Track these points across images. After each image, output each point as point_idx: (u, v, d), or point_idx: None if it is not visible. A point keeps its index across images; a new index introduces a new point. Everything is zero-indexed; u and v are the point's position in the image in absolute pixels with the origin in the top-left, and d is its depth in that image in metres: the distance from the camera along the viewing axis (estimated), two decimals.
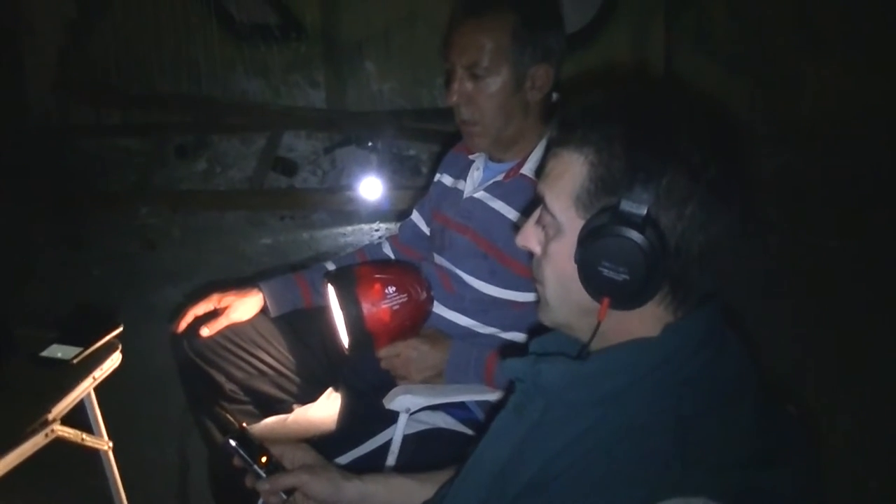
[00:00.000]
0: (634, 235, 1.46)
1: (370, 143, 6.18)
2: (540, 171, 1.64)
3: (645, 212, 1.46)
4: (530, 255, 1.69)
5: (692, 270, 1.51)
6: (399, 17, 6.29)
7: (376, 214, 5.52)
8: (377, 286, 2.55)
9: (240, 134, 6.67)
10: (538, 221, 1.64)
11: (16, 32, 6.70)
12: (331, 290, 2.65)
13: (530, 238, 1.67)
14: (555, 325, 1.69)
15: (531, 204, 1.82)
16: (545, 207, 1.60)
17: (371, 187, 5.73)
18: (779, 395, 1.53)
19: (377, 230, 5.36)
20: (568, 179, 1.54)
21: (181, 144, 6.63)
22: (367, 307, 2.54)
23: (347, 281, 2.58)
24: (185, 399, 2.97)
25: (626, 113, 1.55)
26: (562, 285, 1.60)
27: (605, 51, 5.58)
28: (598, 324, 1.57)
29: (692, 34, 6.10)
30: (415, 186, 5.59)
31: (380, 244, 3.08)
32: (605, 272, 1.50)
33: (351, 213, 5.58)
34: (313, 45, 6.63)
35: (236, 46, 6.72)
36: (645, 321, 1.55)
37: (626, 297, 1.52)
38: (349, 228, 5.43)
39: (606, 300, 1.53)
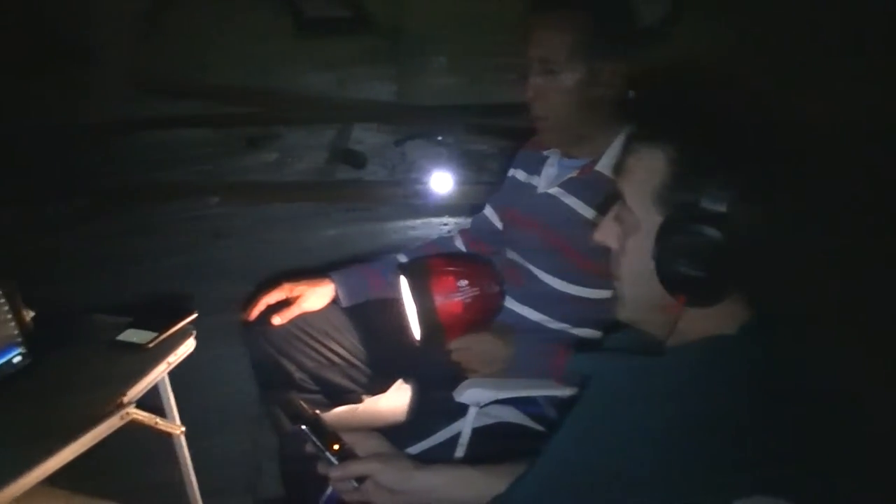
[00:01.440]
0: (713, 233, 1.47)
1: (439, 138, 6.19)
2: (618, 167, 1.64)
3: (725, 209, 1.46)
4: (606, 251, 1.70)
5: (769, 270, 1.52)
6: (469, 11, 6.29)
7: (444, 208, 5.52)
8: (450, 279, 2.56)
9: (309, 126, 6.70)
10: (616, 217, 1.65)
11: (90, 24, 6.77)
12: (403, 282, 2.66)
13: (608, 234, 1.67)
14: (630, 321, 1.69)
15: (606, 200, 1.82)
16: (624, 203, 1.61)
17: (439, 181, 5.74)
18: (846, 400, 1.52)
19: (445, 224, 5.37)
20: (647, 176, 1.55)
21: (251, 136, 6.67)
22: (439, 299, 2.55)
23: (421, 273, 2.59)
24: (255, 387, 3.01)
25: (705, 110, 1.55)
26: (639, 282, 1.60)
27: (679, 46, 5.55)
28: (675, 320, 1.57)
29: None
30: (483, 181, 5.59)
31: (451, 237, 3.09)
32: (683, 269, 1.51)
33: (419, 207, 5.58)
34: (383, 38, 6.65)
35: (306, 40, 6.75)
36: (721, 319, 1.56)
37: (702, 294, 1.53)
38: (417, 222, 5.43)
39: (683, 297, 1.54)
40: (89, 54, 6.71)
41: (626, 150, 1.63)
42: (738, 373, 1.49)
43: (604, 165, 2.55)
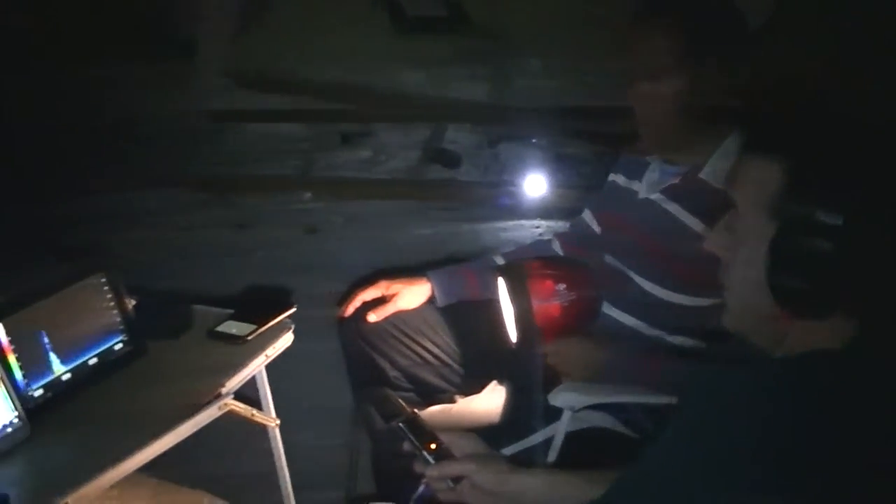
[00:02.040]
0: (827, 246, 1.45)
1: (533, 140, 6.17)
2: (730, 176, 1.63)
3: (840, 222, 1.44)
4: (709, 259, 1.69)
5: (881, 286, 1.50)
6: (569, 14, 6.26)
7: (537, 211, 5.48)
8: (548, 282, 2.55)
9: (403, 124, 6.71)
10: (728, 226, 1.64)
11: (190, 18, 6.83)
12: (501, 283, 2.65)
13: (719, 243, 1.66)
14: (737, 331, 1.68)
15: (709, 208, 1.81)
16: (736, 213, 1.60)
17: (533, 184, 5.71)
18: None
19: (537, 227, 5.34)
20: (761, 186, 1.53)
21: (345, 133, 6.69)
22: (537, 302, 2.54)
23: (519, 275, 2.58)
24: (348, 383, 3.02)
25: (821, 121, 1.53)
26: (748, 292, 1.59)
27: (785, 53, 5.48)
28: (783, 332, 1.56)
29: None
30: (577, 185, 5.57)
31: (549, 241, 3.08)
32: (794, 281, 1.49)
33: (512, 209, 5.56)
34: (479, 39, 6.64)
35: (403, 38, 6.76)
36: (828, 333, 1.53)
37: (812, 307, 1.51)
38: (509, 224, 5.41)
39: (792, 309, 1.52)
40: (191, 47, 6.78)
41: (738, 159, 1.61)
42: (838, 389, 1.47)
43: (707, 173, 2.53)
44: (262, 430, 2.66)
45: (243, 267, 5.15)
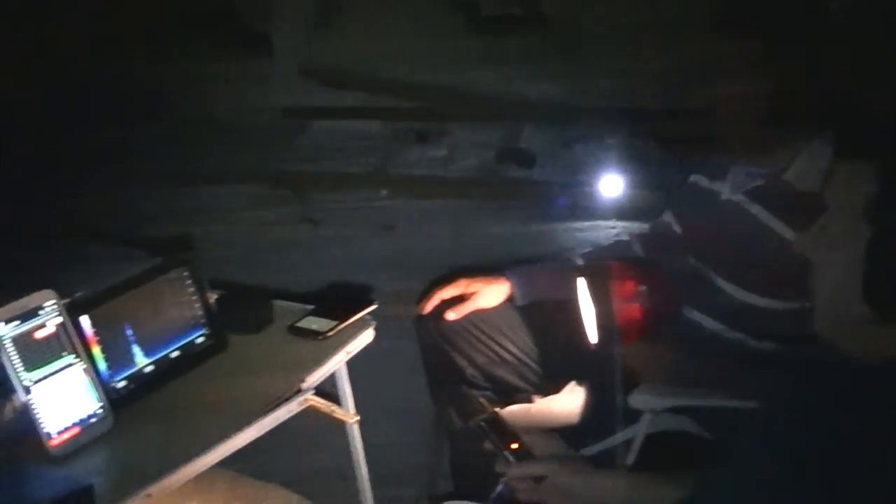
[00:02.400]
0: None
1: (610, 140, 6.15)
2: (824, 180, 1.61)
3: None
4: (798, 262, 1.67)
5: None
6: (646, 14, 6.23)
7: (613, 212, 5.45)
8: (629, 283, 2.54)
9: (478, 123, 6.70)
10: (821, 230, 1.62)
11: (267, 15, 6.88)
12: (582, 284, 2.64)
13: (810, 245, 1.64)
14: (826, 336, 1.66)
15: (794, 210, 1.79)
16: (829, 216, 1.58)
17: (610, 184, 5.68)
18: None
19: (613, 227, 5.31)
20: (856, 189, 1.52)
21: (420, 131, 6.70)
22: (618, 303, 2.53)
23: (600, 275, 2.58)
24: (426, 381, 3.02)
25: None
26: (840, 296, 1.57)
27: (871, 54, 5.41)
28: (873, 338, 1.54)
29: None
30: (655, 186, 5.55)
31: (629, 242, 3.06)
32: (889, 285, 1.47)
33: (587, 209, 5.53)
34: (555, 38, 6.62)
35: (478, 36, 6.76)
36: None
37: None
38: (585, 224, 5.38)
39: (886, 314, 1.50)
40: (268, 44, 6.82)
41: (832, 162, 1.59)
42: None
43: (792, 175, 2.50)
44: (340, 426, 2.67)
45: (320, 264, 5.17)
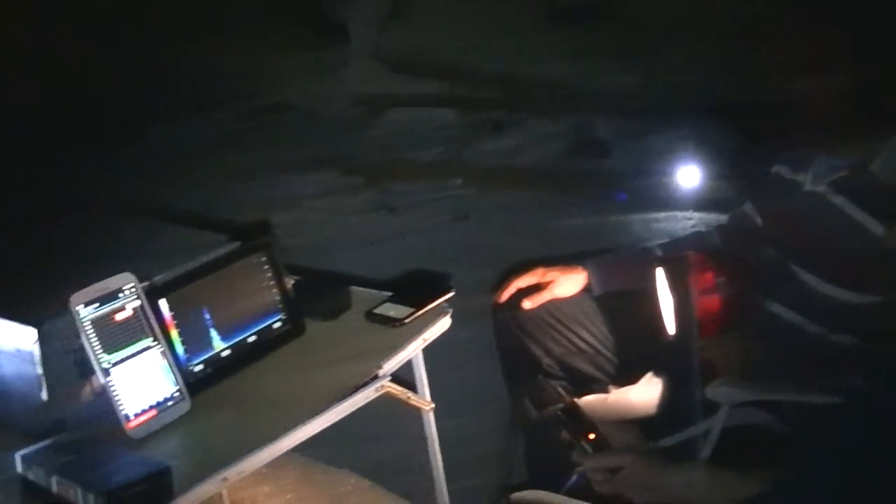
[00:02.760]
0: None
1: (687, 132, 6.10)
2: None
3: None
4: (885, 255, 1.64)
5: None
6: (722, 8, 6.19)
7: (690, 202, 5.43)
8: (709, 274, 2.52)
9: (553, 114, 6.69)
10: None
11: (345, 5, 6.91)
12: (660, 274, 2.62)
13: None
14: None
15: (879, 202, 1.76)
16: None
17: (686, 175, 5.64)
18: None
19: (690, 218, 5.28)
20: None
21: (495, 120, 6.70)
22: (697, 294, 2.51)
23: (679, 266, 2.56)
24: (500, 370, 3.01)
25: None
26: None
27: None
28: None
29: None
30: (733, 177, 5.49)
31: (709, 233, 3.03)
32: None
33: (663, 200, 5.51)
34: (631, 31, 6.60)
35: (555, 28, 6.75)
36: None
37: None
38: (661, 215, 5.36)
39: None
40: (346, 33, 6.86)
41: None
42: None
43: (878, 166, 2.46)
44: (414, 414, 2.66)
45: (395, 251, 5.19)
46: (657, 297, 2.69)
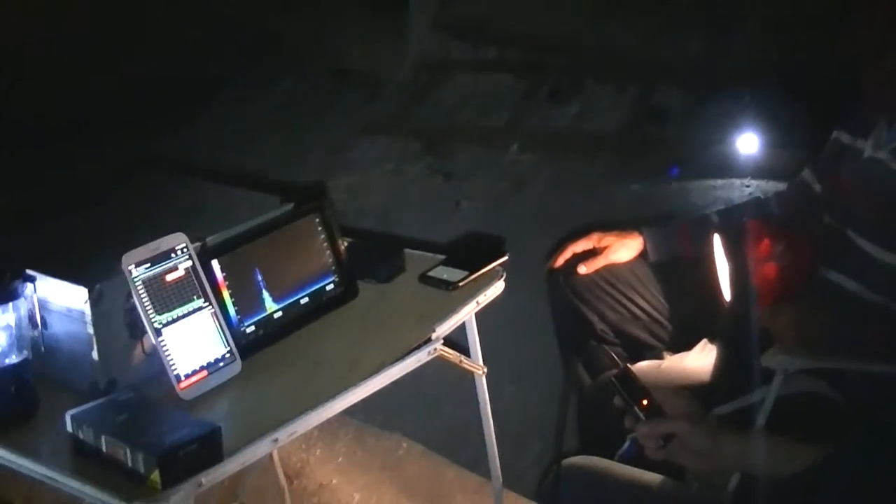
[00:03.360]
0: None
1: (747, 98, 6.03)
2: None
3: None
4: None
5: None
6: None
7: (748, 170, 5.37)
8: (766, 242, 2.49)
9: (614, 81, 6.64)
10: None
11: None
12: (717, 241, 2.60)
13: None
14: None
15: None
16: None
17: (745, 143, 5.58)
18: None
19: (748, 186, 5.23)
20: None
21: (555, 87, 6.66)
22: (754, 262, 2.48)
23: (736, 234, 2.53)
24: (554, 335, 3.01)
25: None
26: None
27: None
28: None
29: None
30: (792, 145, 5.43)
31: (766, 200, 3.00)
32: None
33: (722, 167, 5.45)
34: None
35: None
36: None
37: None
38: (719, 182, 5.31)
39: None
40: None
41: None
42: None
43: None
44: (466, 380, 2.65)
45: (450, 215, 5.18)
46: (713, 265, 2.67)
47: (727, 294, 2.59)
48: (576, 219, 4.70)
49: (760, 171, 5.31)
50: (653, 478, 2.14)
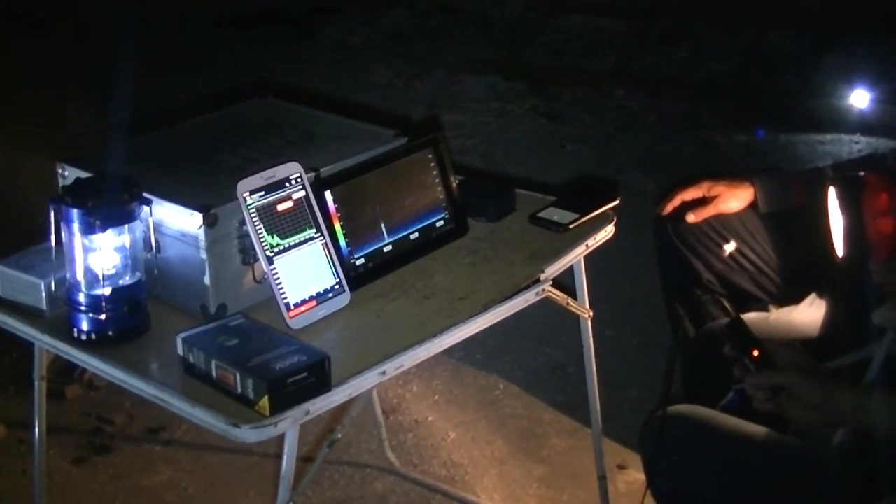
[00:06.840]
0: None
1: (859, 53, 5.90)
2: None
3: None
4: None
5: None
6: None
7: (858, 126, 5.28)
8: (884, 196, 2.43)
9: (724, 26, 6.55)
10: None
11: None
12: (832, 194, 2.55)
13: None
14: None
15: None
16: None
17: (856, 97, 5.48)
18: None
19: (856, 142, 5.14)
20: None
21: (664, 30, 6.58)
22: (870, 216, 2.43)
23: (852, 187, 2.48)
24: (659, 282, 2.99)
25: None
26: None
27: None
28: None
29: None
30: None
31: (883, 154, 2.94)
32: None
33: (832, 122, 5.36)
34: None
35: None
36: None
37: None
38: (827, 137, 5.23)
39: None
40: None
41: None
42: None
43: None
44: (569, 323, 2.65)
45: (557, 157, 5.16)
46: (827, 218, 2.62)
47: (840, 248, 2.54)
48: (680, 165, 4.67)
49: (871, 127, 5.22)
50: (756, 429, 2.11)
